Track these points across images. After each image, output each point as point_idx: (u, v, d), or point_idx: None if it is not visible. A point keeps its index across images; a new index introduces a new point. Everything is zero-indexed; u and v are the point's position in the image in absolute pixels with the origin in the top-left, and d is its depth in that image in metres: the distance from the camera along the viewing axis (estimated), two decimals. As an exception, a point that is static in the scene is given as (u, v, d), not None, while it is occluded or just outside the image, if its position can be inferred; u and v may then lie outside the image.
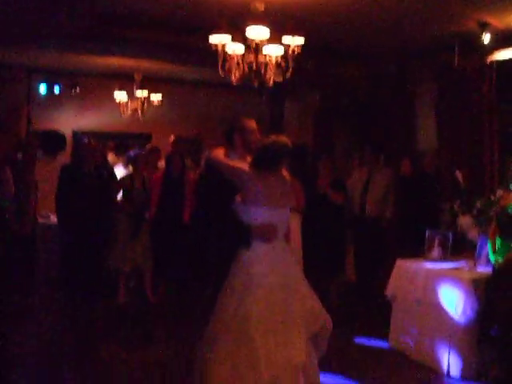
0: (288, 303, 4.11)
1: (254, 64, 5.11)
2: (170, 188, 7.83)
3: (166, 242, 7.75)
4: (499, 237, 5.34)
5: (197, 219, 7.67)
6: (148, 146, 8.79)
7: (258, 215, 4.18)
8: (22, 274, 7.54)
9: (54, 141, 2.91)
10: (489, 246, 5.52)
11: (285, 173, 4.39)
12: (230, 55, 5.15)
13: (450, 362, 5.50)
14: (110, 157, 9.58)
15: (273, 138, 4.21)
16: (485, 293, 5.38)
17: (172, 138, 9.20)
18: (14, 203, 2.93)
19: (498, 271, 5.30)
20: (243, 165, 4.27)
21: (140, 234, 7.75)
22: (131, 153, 8.27)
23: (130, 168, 8.27)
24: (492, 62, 7.47)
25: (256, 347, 3.88)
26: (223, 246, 4.47)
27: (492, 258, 5.42)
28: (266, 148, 4.21)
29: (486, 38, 6.93)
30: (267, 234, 4.17)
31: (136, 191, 7.72)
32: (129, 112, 10.02)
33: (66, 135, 3.26)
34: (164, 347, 6.01)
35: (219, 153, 4.43)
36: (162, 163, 8.70)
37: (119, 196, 7.85)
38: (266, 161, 4.20)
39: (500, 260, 5.28)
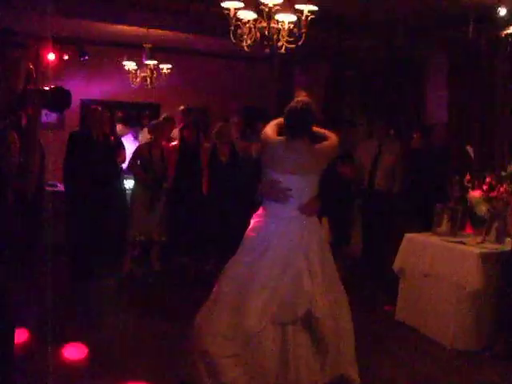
0: (272, 273, 4.07)
1: (267, 30, 5.05)
2: (186, 157, 7.83)
3: (183, 213, 7.74)
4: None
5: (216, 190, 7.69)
6: (163, 116, 8.72)
7: (268, 176, 4.23)
8: (26, 239, 7.52)
9: (59, 96, 2.87)
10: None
11: (330, 135, 4.40)
12: (241, 21, 5.08)
13: (455, 335, 5.50)
14: (119, 127, 9.54)
15: (298, 101, 4.19)
16: (502, 269, 5.36)
17: (181, 108, 9.16)
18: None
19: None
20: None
21: (158, 203, 7.74)
22: (152, 122, 8.24)
23: (141, 138, 8.24)
24: (507, 35, 7.36)
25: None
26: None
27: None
28: (288, 113, 4.21)
29: (502, 10, 6.82)
30: (274, 191, 4.16)
31: (154, 160, 7.69)
32: (138, 81, 9.94)
33: (70, 92, 3.23)
34: (172, 317, 6.00)
35: (269, 125, 4.44)
36: (175, 133, 8.66)
37: (137, 165, 7.82)
38: (289, 127, 4.22)
39: None
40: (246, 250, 4.23)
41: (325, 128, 4.50)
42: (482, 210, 6.10)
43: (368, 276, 7.69)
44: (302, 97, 4.29)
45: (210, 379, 4.00)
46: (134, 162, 7.79)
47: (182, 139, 7.98)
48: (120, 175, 8.04)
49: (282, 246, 4.11)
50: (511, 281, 5.22)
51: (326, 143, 4.30)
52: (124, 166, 8.12)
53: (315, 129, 4.40)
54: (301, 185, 4.19)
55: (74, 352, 5.01)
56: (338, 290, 4.36)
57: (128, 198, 8.15)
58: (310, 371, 4.03)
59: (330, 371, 4.18)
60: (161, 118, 8.52)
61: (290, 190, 4.14)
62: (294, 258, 4.08)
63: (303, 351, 4.03)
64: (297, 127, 4.18)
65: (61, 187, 8.43)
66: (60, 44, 10.45)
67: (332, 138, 4.39)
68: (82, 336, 5.32)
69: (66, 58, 10.55)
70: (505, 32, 7.28)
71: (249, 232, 4.29)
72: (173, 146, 8.01)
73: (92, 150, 7.49)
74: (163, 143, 7.96)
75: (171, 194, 7.82)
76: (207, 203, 7.75)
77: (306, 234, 4.17)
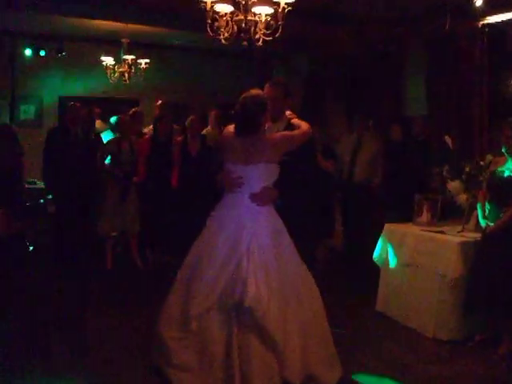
0: (218, 258, 4.12)
1: (244, 23, 5.03)
2: (157, 151, 7.78)
3: (154, 206, 7.70)
4: (489, 202, 5.33)
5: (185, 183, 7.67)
6: (131, 111, 8.67)
7: (224, 168, 4.35)
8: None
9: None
10: (479, 211, 5.50)
11: (301, 125, 4.46)
12: (218, 14, 5.06)
13: (437, 325, 5.53)
14: (98, 123, 9.48)
15: (245, 95, 4.24)
16: (474, 257, 5.39)
17: (158, 102, 9.14)
18: None
19: (488, 236, 5.29)
20: None
21: (128, 198, 7.70)
22: (114, 118, 8.22)
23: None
24: (483, 26, 7.41)
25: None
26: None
27: (482, 222, 5.41)
28: (236, 107, 4.27)
29: (478, 1, 6.85)
30: (227, 181, 4.26)
31: (123, 155, 7.63)
32: (116, 77, 9.89)
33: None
34: (154, 313, 5.96)
35: None
36: (149, 128, 8.63)
37: (107, 160, 7.76)
38: (236, 120, 4.29)
39: (490, 225, 5.28)
40: (200, 238, 4.34)
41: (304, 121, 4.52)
42: (462, 199, 6.14)
43: (349, 268, 7.72)
44: (254, 91, 4.29)
45: (164, 362, 4.13)
46: (103, 157, 7.76)
47: (154, 132, 7.95)
48: (99, 171, 7.98)
49: (229, 234, 4.16)
50: (481, 266, 5.25)
51: (277, 134, 4.35)
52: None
53: (294, 120, 4.48)
54: (252, 174, 4.21)
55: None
56: (301, 287, 4.28)
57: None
58: (260, 363, 3.94)
59: (296, 370, 4.09)
60: (129, 113, 8.46)
61: (241, 179, 4.20)
62: (238, 245, 4.11)
63: (248, 341, 3.97)
64: (243, 119, 4.22)
65: (40, 185, 8.36)
66: (37, 40, 10.39)
67: (301, 128, 4.45)
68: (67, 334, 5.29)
69: (42, 54, 10.47)
70: (481, 23, 7.33)
71: (207, 221, 4.38)
72: (144, 140, 7.97)
73: (72, 146, 7.44)
74: (133, 138, 7.91)
75: (142, 188, 7.79)
76: (176, 196, 7.73)
77: (254, 224, 4.18)
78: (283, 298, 4.11)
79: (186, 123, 7.91)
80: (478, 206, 5.51)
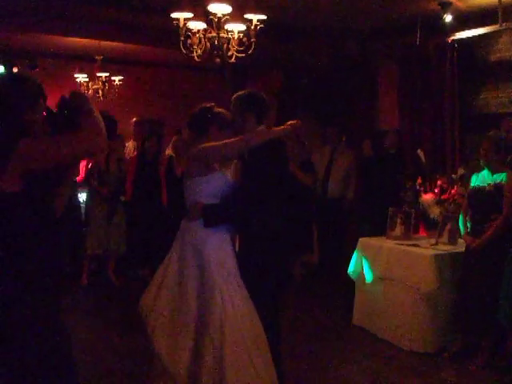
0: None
1: (216, 40, 5.06)
2: (144, 170, 7.78)
3: (142, 226, 7.67)
4: (471, 217, 5.36)
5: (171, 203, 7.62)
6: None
7: None
8: None
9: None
10: (461, 224, 5.53)
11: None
12: (191, 31, 5.09)
13: (412, 337, 5.56)
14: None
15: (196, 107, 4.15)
16: (458, 270, 5.45)
17: (134, 119, 9.12)
18: None
19: (471, 251, 5.31)
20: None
21: (115, 218, 7.68)
22: None
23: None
24: (453, 41, 7.53)
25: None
26: None
27: (462, 231, 5.46)
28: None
29: (448, 17, 6.96)
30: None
31: (110, 174, 7.61)
32: (90, 94, 9.87)
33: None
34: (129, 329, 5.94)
35: None
36: (129, 146, 8.60)
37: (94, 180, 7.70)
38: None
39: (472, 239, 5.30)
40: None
41: None
42: (435, 212, 6.20)
43: (325, 282, 7.74)
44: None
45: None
46: (90, 175, 7.69)
47: (142, 151, 7.91)
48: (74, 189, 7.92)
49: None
50: (466, 280, 5.29)
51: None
52: (77, 178, 8.01)
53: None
54: (193, 188, 4.09)
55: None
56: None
57: (82, 211, 8.05)
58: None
59: None
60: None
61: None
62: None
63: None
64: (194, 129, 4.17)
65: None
66: (10, 57, 10.31)
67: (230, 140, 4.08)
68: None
69: (15, 70, 10.39)
70: (451, 38, 7.45)
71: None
72: (131, 158, 7.95)
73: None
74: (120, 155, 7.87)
75: (129, 207, 7.75)
76: (164, 215, 7.69)
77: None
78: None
79: (171, 144, 7.87)
80: (460, 220, 5.54)
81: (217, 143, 3.94)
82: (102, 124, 2.69)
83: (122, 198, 7.77)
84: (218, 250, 3.92)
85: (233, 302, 3.79)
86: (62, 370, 2.71)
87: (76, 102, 2.76)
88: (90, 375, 4.74)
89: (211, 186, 3.98)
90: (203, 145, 3.98)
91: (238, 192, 4.00)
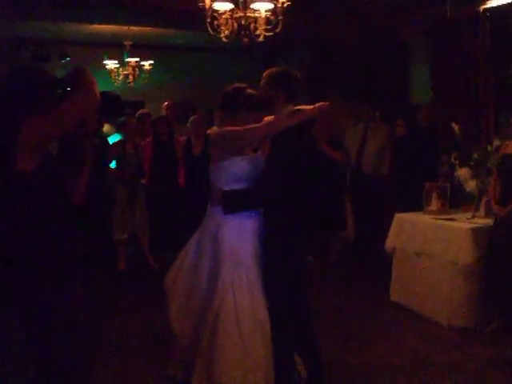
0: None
1: (243, 20, 5.03)
2: (160, 152, 7.78)
3: (162, 207, 7.71)
4: (500, 186, 5.31)
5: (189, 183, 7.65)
6: (138, 112, 8.65)
7: None
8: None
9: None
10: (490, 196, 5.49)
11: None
12: (218, 12, 5.07)
13: (450, 313, 5.53)
14: (106, 127, 9.49)
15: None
16: (487, 243, 5.38)
17: (165, 103, 9.13)
18: None
19: (499, 221, 5.27)
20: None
21: (136, 200, 7.73)
22: (120, 119, 8.19)
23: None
24: (485, 11, 7.37)
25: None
26: None
27: (494, 207, 5.40)
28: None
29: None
30: None
31: (128, 157, 7.65)
32: (120, 80, 9.92)
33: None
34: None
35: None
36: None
37: (112, 165, 7.76)
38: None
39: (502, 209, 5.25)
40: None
41: None
42: (471, 186, 6.13)
43: (362, 258, 7.72)
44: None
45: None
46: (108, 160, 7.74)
47: (154, 134, 7.93)
48: (107, 175, 7.98)
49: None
50: (497, 253, 5.23)
51: (217, 130, 4.11)
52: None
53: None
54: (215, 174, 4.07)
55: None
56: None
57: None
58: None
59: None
60: (136, 115, 8.41)
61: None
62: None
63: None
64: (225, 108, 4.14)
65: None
66: (41, 47, 10.41)
67: (269, 120, 4.01)
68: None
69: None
70: (483, 7, 7.29)
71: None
72: (147, 142, 7.96)
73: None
74: (139, 140, 7.91)
75: (149, 190, 7.81)
76: (184, 196, 7.71)
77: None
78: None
79: (188, 124, 7.83)
80: (489, 192, 5.49)
81: (238, 128, 3.86)
82: (95, 98, 2.83)
83: (142, 181, 7.80)
84: (234, 237, 3.89)
85: (234, 291, 3.78)
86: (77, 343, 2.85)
87: (70, 77, 2.93)
88: (121, 353, 4.92)
89: (231, 171, 3.93)
90: (224, 128, 3.95)
91: (263, 177, 3.94)
